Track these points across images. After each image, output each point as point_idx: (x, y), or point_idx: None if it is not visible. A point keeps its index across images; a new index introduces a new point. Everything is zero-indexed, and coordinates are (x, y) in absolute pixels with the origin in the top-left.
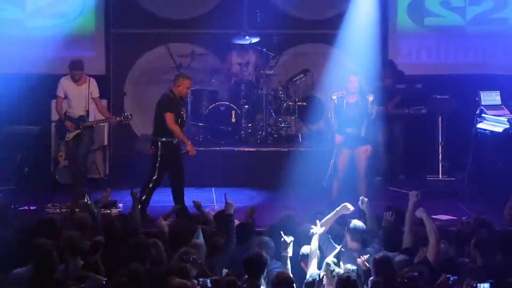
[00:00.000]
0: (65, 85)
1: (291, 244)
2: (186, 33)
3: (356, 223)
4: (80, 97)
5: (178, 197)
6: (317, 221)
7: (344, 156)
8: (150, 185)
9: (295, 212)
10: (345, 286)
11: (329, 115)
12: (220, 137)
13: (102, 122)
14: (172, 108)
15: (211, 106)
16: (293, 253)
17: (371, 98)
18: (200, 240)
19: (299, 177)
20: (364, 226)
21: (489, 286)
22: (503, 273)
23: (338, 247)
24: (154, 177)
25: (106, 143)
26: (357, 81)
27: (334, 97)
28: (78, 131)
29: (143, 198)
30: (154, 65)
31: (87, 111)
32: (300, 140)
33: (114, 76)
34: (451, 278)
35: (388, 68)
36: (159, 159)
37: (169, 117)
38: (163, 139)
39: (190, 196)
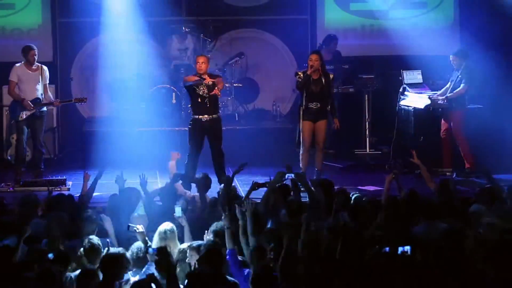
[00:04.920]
0: (19, 70)
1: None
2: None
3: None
4: (33, 83)
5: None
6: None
7: (307, 128)
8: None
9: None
10: None
11: (297, 88)
12: (162, 117)
13: (50, 105)
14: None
15: (153, 89)
16: None
17: (331, 76)
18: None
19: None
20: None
21: (410, 249)
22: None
23: None
24: None
25: (55, 125)
26: (318, 59)
27: (300, 73)
28: (33, 110)
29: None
30: (99, 51)
31: (42, 95)
32: (236, 119)
33: (60, 62)
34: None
35: (331, 44)
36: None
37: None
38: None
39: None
